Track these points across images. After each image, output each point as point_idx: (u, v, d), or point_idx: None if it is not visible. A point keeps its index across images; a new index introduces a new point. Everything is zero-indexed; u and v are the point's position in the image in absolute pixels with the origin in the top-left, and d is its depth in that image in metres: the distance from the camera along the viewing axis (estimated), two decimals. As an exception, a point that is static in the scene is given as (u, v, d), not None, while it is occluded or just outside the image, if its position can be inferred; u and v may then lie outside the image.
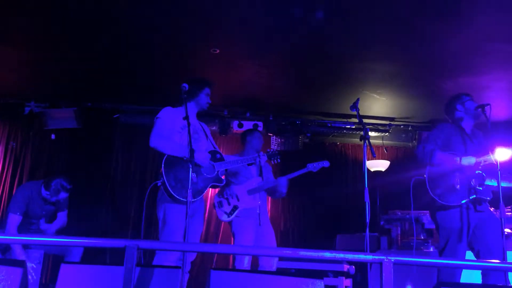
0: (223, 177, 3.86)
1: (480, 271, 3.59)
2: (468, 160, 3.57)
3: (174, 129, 3.69)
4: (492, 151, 3.55)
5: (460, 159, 3.59)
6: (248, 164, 4.15)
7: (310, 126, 7.33)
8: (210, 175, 3.74)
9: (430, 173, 3.69)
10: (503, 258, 3.29)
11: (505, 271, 3.25)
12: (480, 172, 3.59)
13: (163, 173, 3.52)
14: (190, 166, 3.27)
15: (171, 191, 3.49)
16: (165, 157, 3.56)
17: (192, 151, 3.34)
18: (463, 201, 3.56)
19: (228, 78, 6.01)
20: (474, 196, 3.55)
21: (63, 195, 4.55)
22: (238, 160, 4.07)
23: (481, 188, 3.56)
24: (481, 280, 3.57)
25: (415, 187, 3.91)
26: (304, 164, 4.69)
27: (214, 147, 3.93)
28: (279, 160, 4.32)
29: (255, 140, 4.82)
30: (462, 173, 3.61)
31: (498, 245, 3.44)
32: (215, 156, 3.81)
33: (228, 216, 4.52)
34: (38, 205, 4.58)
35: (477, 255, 3.63)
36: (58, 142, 7.00)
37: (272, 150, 4.37)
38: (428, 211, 3.96)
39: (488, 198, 3.61)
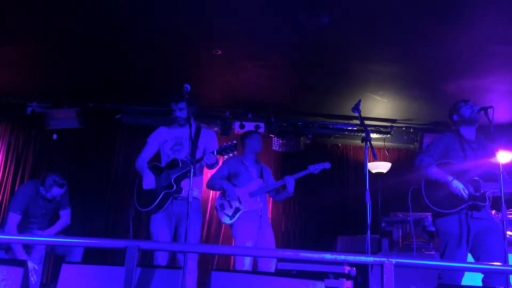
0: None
1: (482, 276, 3.59)
2: (457, 185, 3.57)
3: (158, 147, 4.21)
4: (495, 154, 3.55)
5: (452, 180, 3.60)
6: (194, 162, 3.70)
7: (311, 127, 7.32)
8: (164, 184, 3.91)
9: (426, 182, 3.72)
10: (505, 261, 3.28)
11: (506, 274, 3.24)
12: (477, 178, 3.60)
13: (135, 192, 4.06)
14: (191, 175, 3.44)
15: (137, 206, 3.98)
16: (137, 180, 4.06)
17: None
18: (459, 208, 3.57)
19: (230, 79, 6.01)
20: (471, 202, 3.56)
21: (56, 190, 4.55)
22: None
23: (477, 194, 3.57)
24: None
25: (413, 193, 3.94)
26: (305, 165, 4.68)
27: (195, 155, 4.00)
28: (235, 152, 3.75)
29: (253, 142, 4.80)
30: (458, 181, 3.61)
31: (499, 251, 3.43)
32: (172, 164, 3.96)
33: (230, 219, 4.50)
34: (38, 204, 4.61)
35: (478, 260, 3.63)
36: (60, 142, 7.00)
37: (224, 145, 3.76)
38: (429, 213, 3.96)
39: (485, 204, 3.60)
